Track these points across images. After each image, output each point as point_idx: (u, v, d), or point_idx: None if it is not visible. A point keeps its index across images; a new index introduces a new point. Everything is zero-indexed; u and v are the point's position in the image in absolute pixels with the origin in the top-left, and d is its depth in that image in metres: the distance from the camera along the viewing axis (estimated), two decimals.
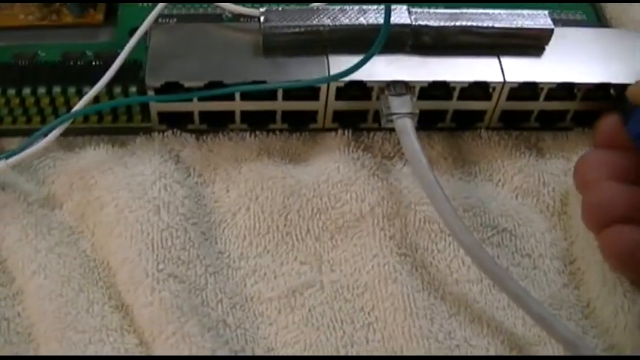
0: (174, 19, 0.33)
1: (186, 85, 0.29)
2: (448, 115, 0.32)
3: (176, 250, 0.28)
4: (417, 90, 0.30)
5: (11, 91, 0.30)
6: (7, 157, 0.29)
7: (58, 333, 0.27)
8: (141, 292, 0.27)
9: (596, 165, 0.30)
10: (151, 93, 0.30)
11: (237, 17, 0.34)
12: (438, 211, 0.28)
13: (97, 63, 0.32)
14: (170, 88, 0.30)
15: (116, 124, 0.31)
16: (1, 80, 0.30)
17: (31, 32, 0.35)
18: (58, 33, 0.35)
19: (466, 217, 0.30)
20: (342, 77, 0.29)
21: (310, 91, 0.30)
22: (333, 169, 0.31)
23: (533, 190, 0.31)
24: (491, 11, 0.31)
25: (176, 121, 0.31)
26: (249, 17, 0.33)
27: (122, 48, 0.32)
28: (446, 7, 0.32)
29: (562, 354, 0.27)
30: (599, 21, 0.36)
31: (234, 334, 0.27)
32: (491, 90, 0.31)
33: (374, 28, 0.30)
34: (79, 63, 0.32)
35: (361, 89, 0.30)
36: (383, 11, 0.30)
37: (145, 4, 0.35)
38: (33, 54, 0.33)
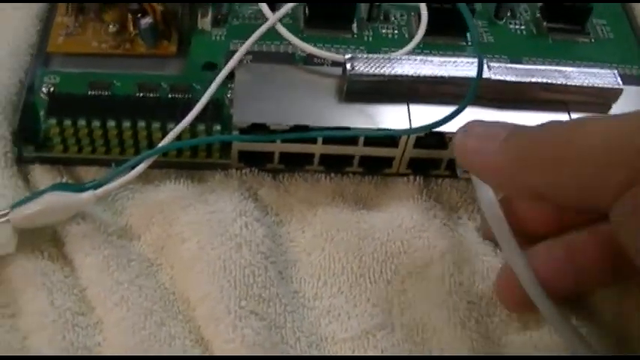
0: (250, 57, 0.34)
1: (273, 127, 0.30)
2: None
3: (258, 287, 0.29)
4: None
5: (96, 123, 0.30)
6: (94, 188, 0.29)
7: None
8: (222, 328, 0.28)
9: None
10: (235, 132, 0.30)
11: (310, 58, 0.34)
12: (513, 267, 0.29)
13: (174, 96, 0.33)
14: (254, 129, 0.30)
15: (194, 160, 0.32)
16: (84, 111, 0.30)
17: (104, 60, 0.35)
18: (130, 62, 0.35)
19: None
20: (427, 130, 0.30)
21: (390, 139, 0.31)
22: (406, 216, 0.31)
23: None
24: (563, 69, 0.32)
25: (255, 160, 0.32)
26: (322, 59, 0.34)
27: (196, 81, 0.33)
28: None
29: None
30: None
31: None
32: None
33: (454, 81, 0.31)
34: (156, 95, 0.33)
35: (439, 139, 0.31)
36: (463, 64, 0.31)
37: (217, 37, 0.35)
38: (108, 83, 0.33)
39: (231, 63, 0.31)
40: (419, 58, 0.31)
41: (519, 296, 0.28)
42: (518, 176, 0.25)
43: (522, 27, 0.38)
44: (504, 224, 0.29)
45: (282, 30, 0.32)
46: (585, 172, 0.22)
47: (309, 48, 0.32)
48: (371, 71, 0.31)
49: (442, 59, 0.32)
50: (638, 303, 0.27)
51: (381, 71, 0.31)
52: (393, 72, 0.31)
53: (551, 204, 0.26)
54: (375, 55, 0.31)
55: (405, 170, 0.32)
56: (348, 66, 0.31)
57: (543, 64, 0.37)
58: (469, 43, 0.37)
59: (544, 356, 0.29)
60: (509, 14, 0.38)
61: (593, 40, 0.38)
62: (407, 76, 0.31)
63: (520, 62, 0.36)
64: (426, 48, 0.36)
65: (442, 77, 0.31)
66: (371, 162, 0.32)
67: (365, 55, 0.31)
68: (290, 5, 0.32)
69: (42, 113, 0.32)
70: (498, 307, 0.30)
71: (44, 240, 0.30)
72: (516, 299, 0.29)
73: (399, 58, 0.31)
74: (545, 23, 0.38)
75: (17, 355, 0.28)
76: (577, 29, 0.38)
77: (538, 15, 0.39)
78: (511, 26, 0.38)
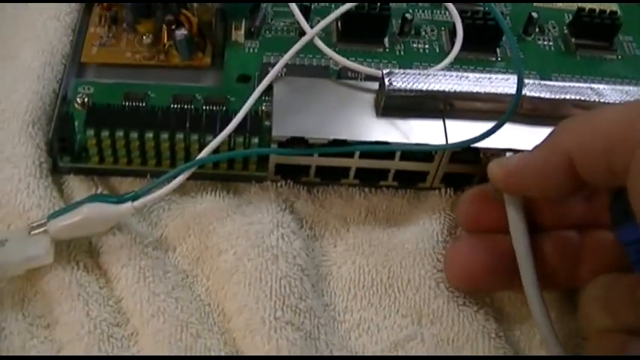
0: (284, 70, 0.34)
1: (311, 141, 0.30)
2: None
3: (294, 298, 0.29)
4: None
5: (133, 135, 0.30)
6: (132, 200, 0.29)
7: None
8: (258, 339, 0.28)
9: None
10: (274, 146, 0.30)
11: (344, 71, 0.34)
12: (524, 284, 0.29)
13: (210, 108, 0.33)
14: (293, 142, 0.30)
15: (230, 172, 0.32)
16: (122, 122, 0.30)
17: (138, 71, 0.35)
18: (164, 73, 0.35)
19: None
20: (465, 146, 0.30)
21: (425, 153, 0.31)
22: (437, 229, 0.32)
23: None
24: (595, 86, 0.33)
25: (291, 173, 0.32)
26: (356, 72, 0.34)
27: (230, 93, 0.33)
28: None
29: None
30: None
31: None
32: None
33: (489, 97, 0.31)
34: (193, 107, 0.33)
35: (474, 154, 0.31)
36: (498, 80, 0.31)
37: (251, 50, 0.36)
38: (143, 94, 0.34)
39: (270, 76, 0.31)
40: (455, 74, 0.32)
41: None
42: (557, 144, 0.26)
43: (551, 43, 0.39)
44: (527, 250, 0.29)
45: (320, 44, 0.32)
46: (612, 135, 0.24)
47: (347, 62, 0.33)
48: (408, 86, 0.31)
49: (478, 75, 0.32)
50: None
51: (418, 87, 0.31)
52: (429, 87, 0.31)
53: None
54: (412, 71, 0.31)
55: (438, 184, 0.33)
56: (386, 81, 0.31)
57: (572, 80, 0.37)
58: (499, 59, 0.37)
59: (545, 356, 0.29)
60: (537, 30, 0.39)
61: (620, 57, 0.39)
62: (443, 91, 0.31)
63: (549, 78, 0.37)
64: (457, 63, 0.36)
65: (478, 93, 0.31)
66: (405, 176, 0.32)
67: (402, 71, 0.31)
68: (328, 20, 0.32)
69: (77, 124, 0.32)
70: (518, 321, 0.31)
71: (80, 251, 0.30)
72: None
73: (435, 73, 0.31)
74: (573, 40, 0.38)
75: (18, 355, 0.28)
76: (604, 46, 0.39)
77: (566, 31, 0.39)
78: (539, 42, 0.39)
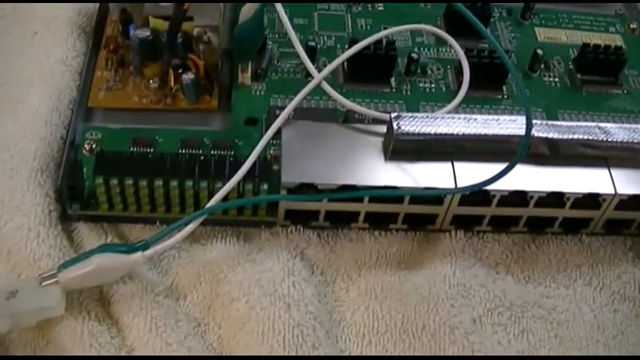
0: (292, 113, 0.34)
1: (321, 187, 0.30)
2: (557, 221, 0.33)
3: (307, 347, 0.29)
4: (535, 199, 0.31)
5: (143, 182, 0.30)
6: (143, 249, 0.29)
7: None
8: None
9: None
10: (283, 192, 0.30)
11: (351, 113, 0.34)
12: None
13: (219, 153, 0.33)
14: (302, 187, 0.30)
15: (240, 218, 0.32)
16: (131, 170, 0.30)
17: (145, 115, 0.35)
18: (172, 116, 0.35)
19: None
20: (475, 189, 0.30)
21: (435, 197, 0.31)
22: (449, 273, 0.32)
23: (629, 296, 0.33)
24: (603, 125, 0.33)
25: (301, 218, 0.32)
26: (363, 115, 0.34)
27: (238, 137, 0.33)
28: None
29: None
30: None
31: None
32: (601, 200, 0.32)
33: (497, 139, 0.31)
34: (202, 153, 0.33)
35: (484, 196, 0.31)
36: (506, 122, 0.31)
37: (258, 92, 0.36)
38: (151, 139, 0.33)
39: (278, 122, 0.31)
40: (463, 116, 0.32)
41: None
42: None
43: (556, 79, 0.39)
44: None
45: (327, 88, 0.32)
46: None
47: (354, 106, 0.33)
48: (417, 130, 0.31)
49: (485, 117, 0.32)
50: None
51: (427, 130, 0.31)
52: (438, 131, 0.31)
53: None
54: (420, 114, 0.32)
55: (448, 227, 0.33)
56: (395, 125, 0.31)
57: (578, 116, 0.37)
58: (505, 96, 0.37)
59: (546, 356, 0.29)
60: (543, 67, 0.39)
61: (625, 92, 0.39)
62: (452, 134, 0.31)
63: (556, 115, 0.37)
64: (463, 102, 0.36)
65: (486, 135, 0.31)
66: (415, 219, 0.32)
67: (410, 114, 0.31)
68: (335, 64, 0.32)
69: (85, 170, 0.32)
70: None
71: (91, 300, 0.30)
72: None
73: (443, 116, 0.31)
74: (578, 75, 0.38)
75: (24, 355, 0.28)
76: (610, 81, 0.39)
77: (571, 67, 0.39)
78: (545, 79, 0.39)
